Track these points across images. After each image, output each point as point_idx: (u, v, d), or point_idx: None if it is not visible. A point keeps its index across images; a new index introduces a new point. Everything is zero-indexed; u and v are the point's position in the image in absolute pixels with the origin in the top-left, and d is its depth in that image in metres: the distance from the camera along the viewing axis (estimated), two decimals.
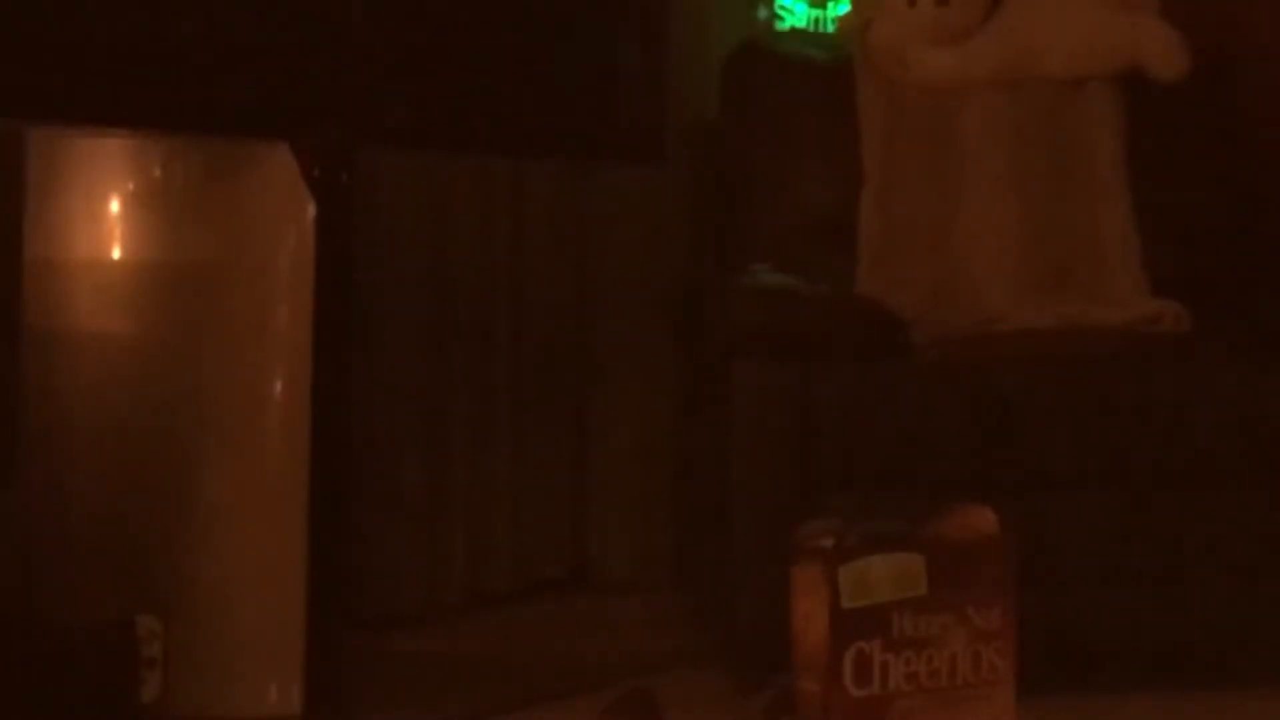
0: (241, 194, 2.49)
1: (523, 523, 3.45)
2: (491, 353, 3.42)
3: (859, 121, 3.29)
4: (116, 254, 2.50)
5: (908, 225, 3.20)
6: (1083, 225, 3.18)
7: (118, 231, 2.50)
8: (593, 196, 3.56)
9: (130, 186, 2.50)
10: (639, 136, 2.77)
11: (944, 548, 2.25)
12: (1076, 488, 2.69)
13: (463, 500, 3.35)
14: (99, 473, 2.49)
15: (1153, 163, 3.25)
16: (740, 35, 3.52)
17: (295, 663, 2.44)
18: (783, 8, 3.67)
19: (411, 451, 3.26)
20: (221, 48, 2.32)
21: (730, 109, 3.41)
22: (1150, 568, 2.70)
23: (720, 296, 2.86)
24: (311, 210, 2.46)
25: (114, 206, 2.50)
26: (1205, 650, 2.70)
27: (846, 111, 3.31)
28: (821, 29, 3.67)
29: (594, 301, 3.57)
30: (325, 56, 2.41)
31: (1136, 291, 3.14)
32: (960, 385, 2.71)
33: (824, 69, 3.39)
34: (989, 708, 2.25)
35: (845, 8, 3.52)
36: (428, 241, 3.31)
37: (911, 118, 3.26)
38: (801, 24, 3.68)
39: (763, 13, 3.67)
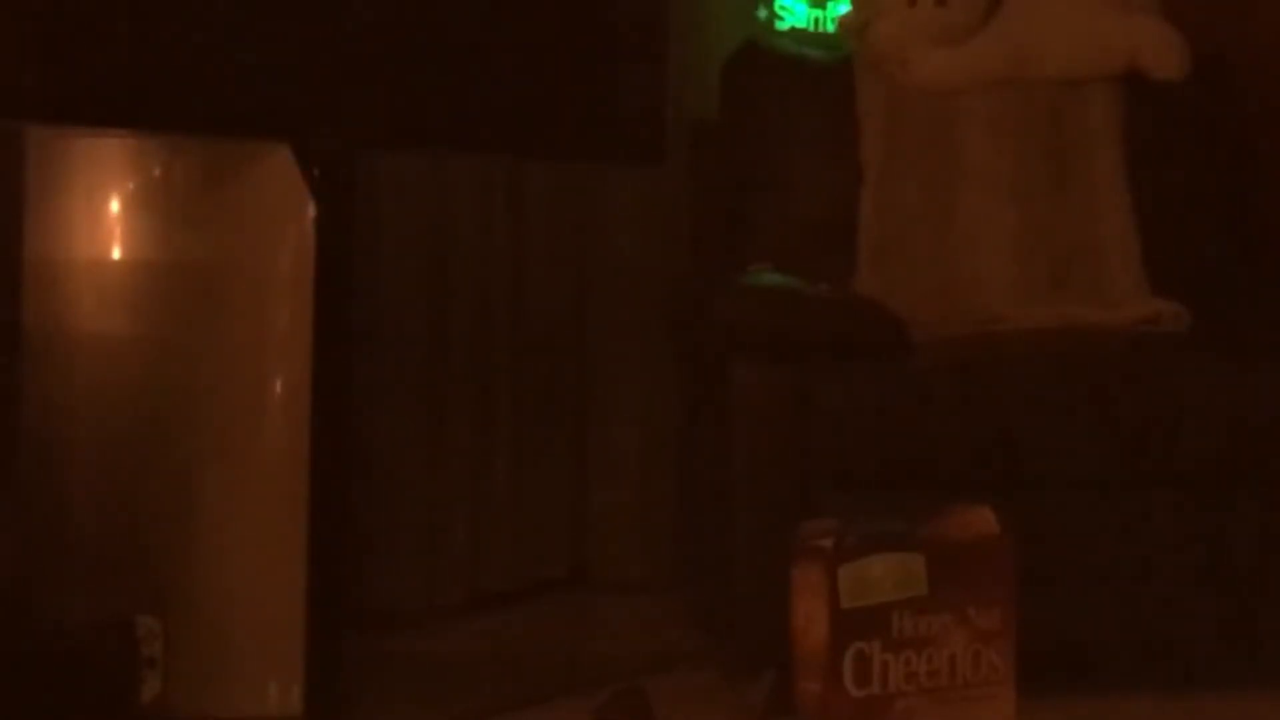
0: (241, 194, 2.49)
1: (523, 522, 3.45)
2: (491, 352, 3.42)
3: (859, 121, 3.30)
4: (116, 254, 2.50)
5: (908, 225, 3.20)
6: (1082, 225, 3.18)
7: (118, 231, 2.50)
8: (593, 196, 3.56)
9: (130, 186, 2.50)
10: (639, 136, 2.77)
11: (944, 548, 2.25)
12: (1076, 488, 2.69)
13: (463, 500, 3.35)
14: (99, 473, 2.49)
15: (1153, 163, 3.25)
16: (740, 35, 3.52)
17: (295, 663, 2.44)
18: (783, 8, 3.67)
19: (412, 451, 3.26)
20: (221, 48, 2.32)
21: (730, 109, 3.41)
22: (1151, 568, 2.70)
23: (719, 297, 2.86)
24: (311, 210, 2.46)
25: (114, 206, 2.50)
26: (1205, 650, 2.70)
27: (846, 111, 3.31)
28: (821, 29, 3.67)
29: (594, 301, 3.57)
30: (325, 56, 2.41)
31: (1136, 291, 3.14)
32: (960, 385, 2.71)
33: (824, 69, 3.39)
34: (989, 708, 2.26)
35: (845, 8, 3.52)
36: (428, 241, 3.31)
37: (911, 118, 3.26)
38: (801, 24, 3.68)
39: (763, 13, 3.66)
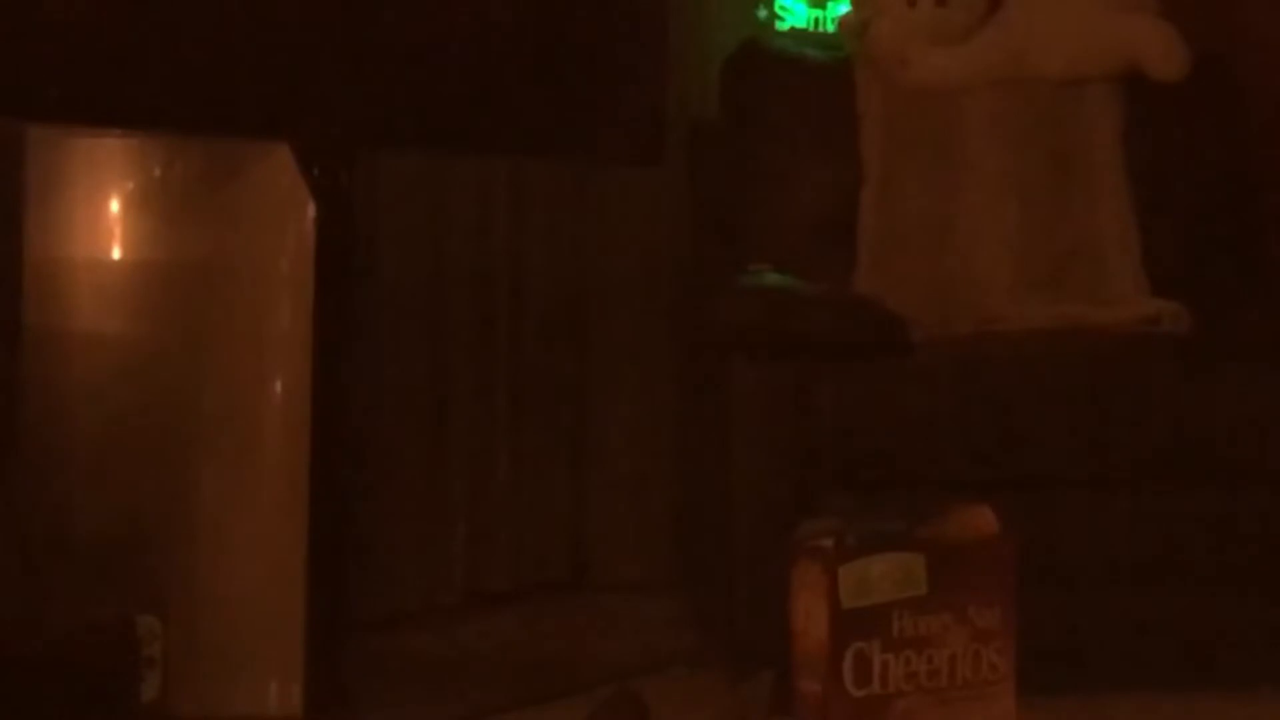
0: (241, 194, 2.49)
1: (523, 523, 3.45)
2: (491, 352, 3.42)
3: (859, 121, 3.29)
4: (116, 254, 2.50)
5: (908, 225, 3.20)
6: (1082, 225, 3.18)
7: (118, 231, 2.50)
8: (593, 196, 3.56)
9: (130, 186, 2.50)
10: (639, 136, 2.77)
11: (944, 548, 2.25)
12: (1076, 488, 2.69)
13: (463, 500, 3.35)
14: (99, 472, 2.49)
15: (1152, 162, 3.25)
16: (740, 35, 3.52)
17: (295, 663, 2.44)
18: (783, 8, 3.67)
19: (411, 451, 3.26)
20: (221, 48, 2.32)
21: (730, 109, 3.41)
22: (1150, 568, 2.70)
23: (719, 296, 2.86)
24: (311, 210, 2.46)
25: (114, 206, 2.50)
26: (1206, 650, 2.70)
27: (846, 111, 3.31)
28: (821, 29, 3.67)
29: (594, 302, 3.57)
30: (325, 57, 2.41)
31: (1136, 291, 3.14)
32: (960, 385, 2.71)
33: (824, 69, 3.38)
34: (989, 708, 2.26)
35: (845, 8, 3.52)
36: (428, 241, 3.31)
37: (911, 118, 3.26)
38: (801, 24, 3.68)
39: (763, 13, 3.67)
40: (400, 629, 3.09)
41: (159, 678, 2.38)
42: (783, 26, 3.66)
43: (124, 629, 2.36)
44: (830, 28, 3.65)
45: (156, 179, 2.50)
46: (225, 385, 2.48)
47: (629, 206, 3.55)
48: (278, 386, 2.49)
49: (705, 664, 2.80)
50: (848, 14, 3.45)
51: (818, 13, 3.69)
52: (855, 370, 2.69)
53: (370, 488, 3.09)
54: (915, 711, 2.21)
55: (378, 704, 2.59)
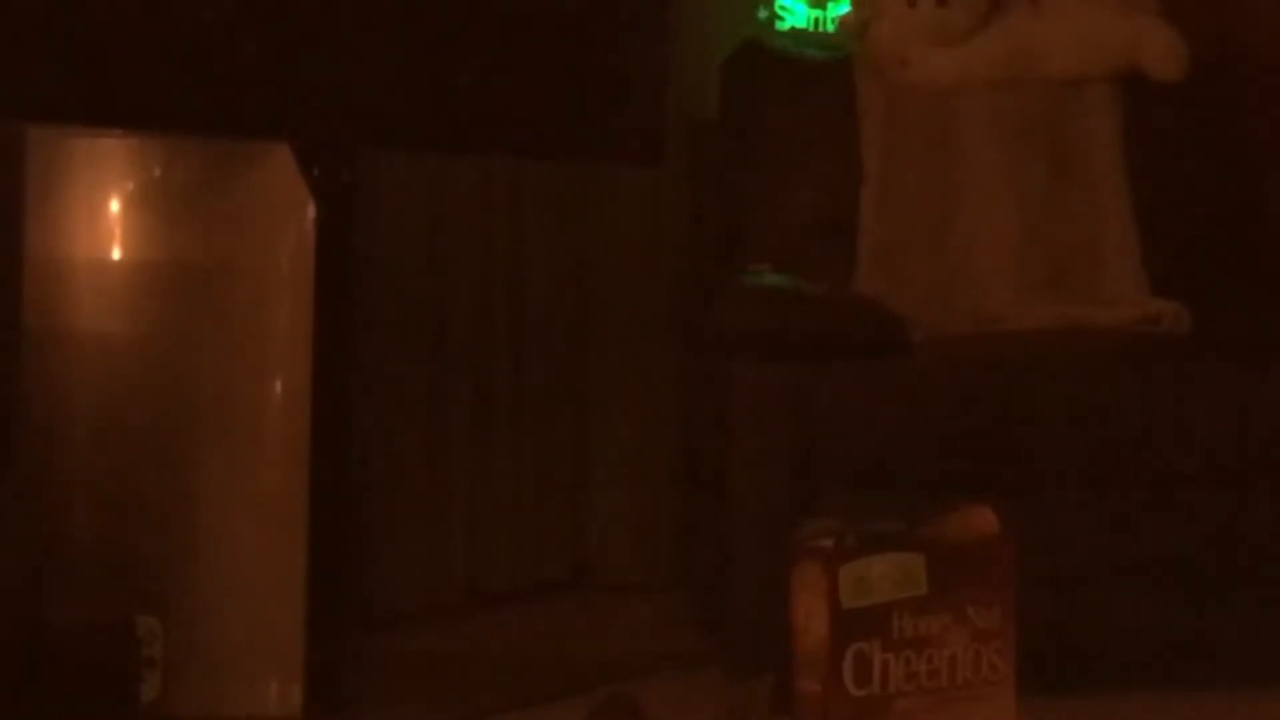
0: (241, 194, 2.49)
1: (523, 523, 3.45)
2: (491, 352, 3.42)
3: (859, 121, 3.30)
4: (116, 254, 2.50)
5: (908, 225, 3.20)
6: (1082, 225, 3.18)
7: (118, 231, 2.50)
8: (593, 196, 3.56)
9: (130, 186, 2.50)
10: (639, 136, 2.76)
11: (944, 548, 2.25)
12: (1076, 488, 2.69)
13: (463, 500, 3.35)
14: (99, 472, 2.49)
15: (1153, 163, 3.25)
16: (740, 35, 3.52)
17: (295, 663, 2.44)
18: (783, 8, 3.67)
19: (411, 451, 3.26)
20: (221, 47, 2.32)
21: (730, 109, 3.41)
22: (1150, 568, 2.70)
23: (719, 297, 2.86)
24: (311, 210, 2.46)
25: (114, 206, 2.50)
26: (1205, 650, 2.70)
27: (846, 111, 3.31)
28: (821, 29, 3.67)
29: (594, 302, 3.57)
30: (325, 57, 2.41)
31: (1136, 291, 3.14)
32: (960, 385, 2.71)
33: (824, 69, 3.39)
34: (989, 708, 2.25)
35: (845, 8, 3.52)
36: (428, 241, 3.31)
37: (911, 118, 3.26)
38: (801, 24, 3.68)
39: (763, 13, 3.67)
40: (400, 629, 3.10)
41: (159, 678, 2.38)
42: (783, 26, 3.66)
43: (124, 629, 2.36)
44: (830, 28, 3.64)
45: (156, 179, 2.50)
46: (225, 386, 2.48)
47: (629, 206, 3.55)
48: (278, 386, 2.49)
49: (705, 664, 2.80)
50: (848, 14, 3.45)
51: (818, 13, 3.69)
52: (855, 370, 2.69)
53: (370, 488, 3.09)
54: (915, 711, 2.21)
55: (378, 704, 2.59)
